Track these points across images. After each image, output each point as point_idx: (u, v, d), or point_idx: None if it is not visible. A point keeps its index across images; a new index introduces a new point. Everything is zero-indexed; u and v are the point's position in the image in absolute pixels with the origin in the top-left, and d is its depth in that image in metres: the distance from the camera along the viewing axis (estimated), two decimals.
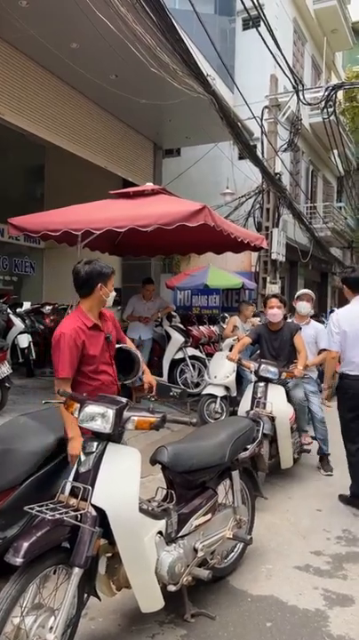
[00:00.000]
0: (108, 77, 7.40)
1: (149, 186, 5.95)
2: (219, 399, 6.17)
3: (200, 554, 2.56)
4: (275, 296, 4.93)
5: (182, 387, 2.79)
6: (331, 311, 10.63)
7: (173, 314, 7.85)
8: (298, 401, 4.70)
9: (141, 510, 2.26)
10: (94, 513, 2.07)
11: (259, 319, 7.32)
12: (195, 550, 2.55)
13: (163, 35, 5.76)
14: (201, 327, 8.80)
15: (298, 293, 5.46)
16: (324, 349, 5.00)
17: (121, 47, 5.82)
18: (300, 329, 4.92)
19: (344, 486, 4.43)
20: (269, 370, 4.47)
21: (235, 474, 2.97)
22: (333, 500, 4.24)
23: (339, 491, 4.38)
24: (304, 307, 5.26)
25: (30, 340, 8.13)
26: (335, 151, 15.71)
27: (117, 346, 3.13)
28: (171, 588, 2.38)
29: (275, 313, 4.75)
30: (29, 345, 8.09)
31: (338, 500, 4.23)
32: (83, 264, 2.95)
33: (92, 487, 2.10)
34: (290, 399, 4.65)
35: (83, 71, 7.02)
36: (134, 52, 5.73)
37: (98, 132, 8.78)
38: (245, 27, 13.51)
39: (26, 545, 1.87)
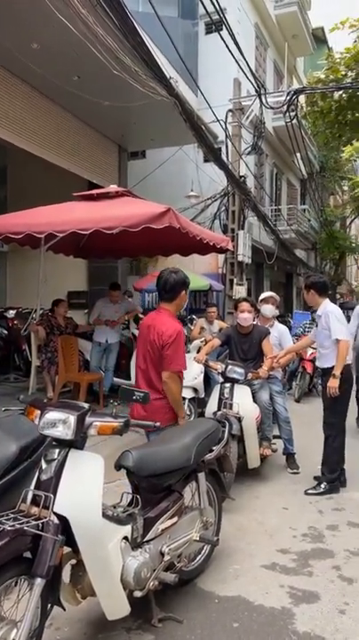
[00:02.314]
0: (71, 79, 7.31)
1: (114, 188, 5.90)
2: (187, 401, 6.17)
3: (166, 557, 2.55)
4: (246, 300, 4.96)
5: (146, 390, 2.81)
6: (314, 311, 10.82)
7: (141, 316, 7.82)
8: (263, 404, 4.74)
9: (105, 516, 2.24)
10: (57, 521, 2.03)
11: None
12: (162, 554, 2.53)
13: (125, 37, 5.73)
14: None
15: (262, 296, 5.52)
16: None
17: (82, 48, 5.76)
18: (269, 333, 4.98)
19: (311, 483, 4.52)
20: (236, 371, 4.52)
21: (201, 476, 2.97)
22: (300, 498, 4.31)
23: (305, 488, 4.46)
24: (269, 309, 5.33)
25: None
26: (298, 154, 15.99)
27: None
28: (138, 593, 2.36)
29: (246, 317, 4.79)
30: None
31: (304, 498, 4.31)
32: (170, 272, 3.40)
33: (54, 495, 2.06)
34: (255, 401, 4.69)
35: (45, 72, 6.92)
36: (96, 53, 5.68)
37: (61, 134, 8.67)
38: (208, 31, 13.59)
39: None
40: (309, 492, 4.38)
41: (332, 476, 4.43)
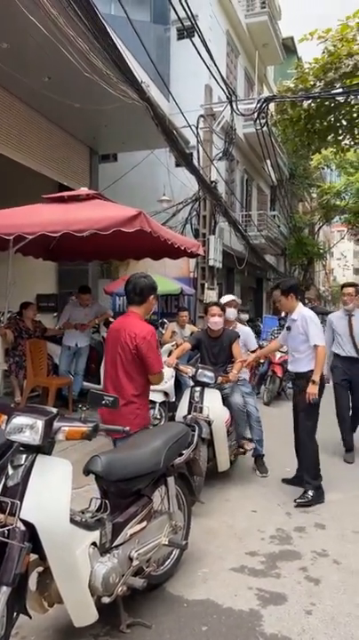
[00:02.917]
0: (41, 79, 7.24)
1: (84, 190, 5.85)
2: (157, 405, 6.17)
3: (135, 562, 2.53)
4: (216, 304, 5.00)
5: (115, 394, 2.79)
6: (282, 317, 10.95)
7: (111, 320, 7.78)
8: (237, 407, 4.77)
9: (73, 522, 2.21)
10: (23, 528, 2.00)
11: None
12: (131, 559, 2.52)
13: (96, 39, 5.72)
14: None
15: (224, 300, 5.49)
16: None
17: (53, 49, 5.71)
18: (239, 337, 5.02)
19: (279, 485, 4.57)
20: (206, 374, 4.55)
21: (171, 480, 2.97)
22: (268, 501, 4.35)
23: (274, 491, 4.51)
24: (232, 312, 5.37)
25: None
26: (268, 161, 16.22)
27: None
28: (106, 599, 2.34)
29: (217, 321, 4.83)
30: None
31: (272, 501, 4.35)
32: (140, 277, 3.47)
33: (21, 501, 2.03)
34: (228, 405, 4.73)
35: (15, 72, 6.83)
36: (67, 54, 5.64)
37: (31, 135, 8.56)
38: (180, 36, 13.68)
39: None
40: (299, 501, 4.24)
41: (317, 483, 4.36)
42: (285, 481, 4.61)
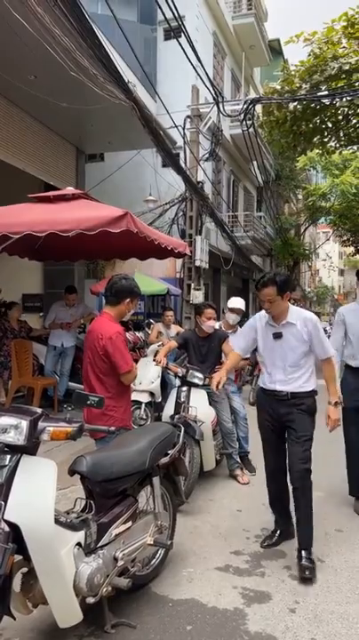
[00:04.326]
0: (27, 78, 7.18)
1: (70, 190, 5.83)
2: (143, 405, 6.17)
3: (120, 563, 2.53)
4: (210, 306, 4.93)
5: (100, 395, 2.77)
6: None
7: None
8: (228, 430, 4.82)
9: (58, 523, 2.20)
10: (7, 529, 1.99)
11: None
12: (116, 559, 2.52)
13: (83, 38, 5.69)
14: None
15: (231, 305, 5.43)
16: None
17: (39, 48, 5.67)
18: (228, 336, 5.04)
19: (264, 485, 4.59)
20: (196, 375, 4.60)
21: (156, 480, 2.97)
22: (253, 500, 4.37)
23: (258, 491, 4.51)
24: (234, 319, 5.38)
25: None
26: (254, 162, 16.30)
27: None
28: (91, 600, 2.34)
29: (213, 324, 4.87)
30: None
31: (257, 500, 4.36)
32: (121, 278, 3.43)
33: (5, 502, 2.02)
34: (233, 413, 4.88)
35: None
36: (53, 53, 5.61)
37: (16, 134, 8.49)
38: (167, 37, 13.69)
39: None
40: None
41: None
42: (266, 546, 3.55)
